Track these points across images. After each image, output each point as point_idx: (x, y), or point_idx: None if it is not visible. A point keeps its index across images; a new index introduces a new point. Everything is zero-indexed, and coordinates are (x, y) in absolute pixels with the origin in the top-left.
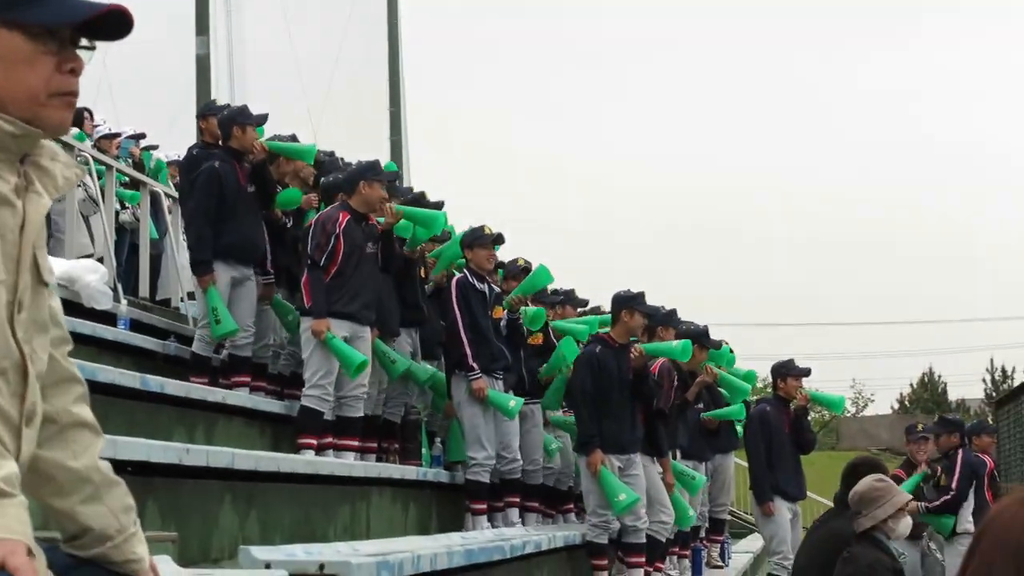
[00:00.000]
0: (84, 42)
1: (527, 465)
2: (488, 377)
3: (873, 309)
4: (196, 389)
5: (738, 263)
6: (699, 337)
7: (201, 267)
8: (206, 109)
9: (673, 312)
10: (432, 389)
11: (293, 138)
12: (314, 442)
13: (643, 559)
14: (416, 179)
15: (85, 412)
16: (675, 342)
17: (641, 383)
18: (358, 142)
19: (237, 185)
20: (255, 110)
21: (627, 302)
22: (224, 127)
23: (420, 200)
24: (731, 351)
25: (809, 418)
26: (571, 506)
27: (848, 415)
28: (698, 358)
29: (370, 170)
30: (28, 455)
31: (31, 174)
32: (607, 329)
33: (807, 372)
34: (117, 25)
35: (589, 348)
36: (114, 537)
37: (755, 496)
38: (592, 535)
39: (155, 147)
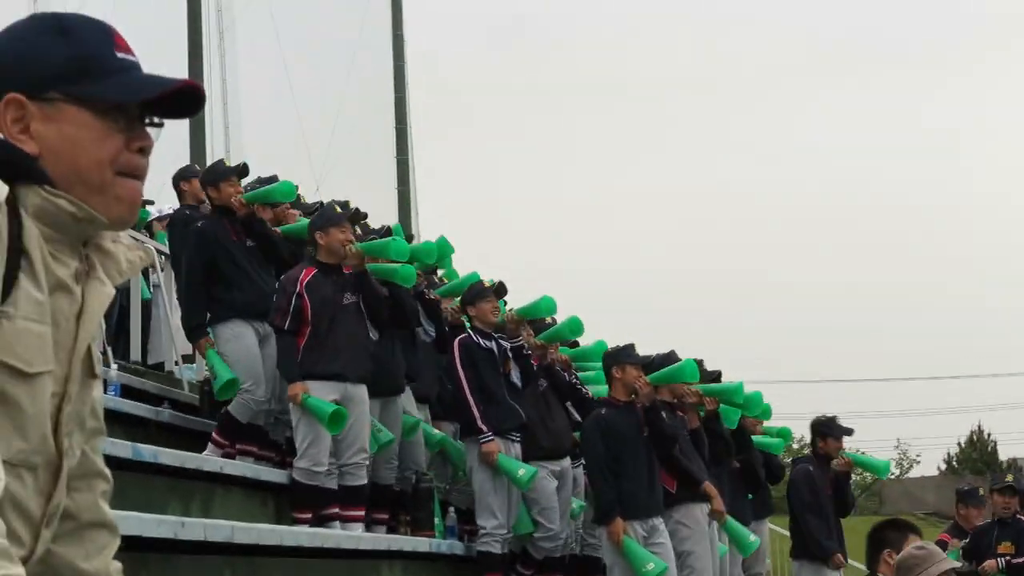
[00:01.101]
0: (154, 119)
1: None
2: (502, 440)
3: (918, 363)
4: (192, 458)
5: (775, 313)
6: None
7: (195, 332)
8: (185, 172)
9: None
10: (447, 456)
11: (272, 180)
12: (308, 516)
13: None
14: (426, 233)
15: (106, 510)
16: (676, 364)
17: (655, 424)
18: (363, 193)
19: (230, 241)
20: (253, 163)
21: (615, 359)
22: (203, 189)
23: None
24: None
25: (851, 480)
26: None
27: (892, 477)
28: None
29: (320, 217)
30: (42, 552)
31: (94, 258)
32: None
33: (849, 432)
34: (188, 102)
35: (595, 412)
36: None
37: (820, 555)
38: None
39: (150, 202)
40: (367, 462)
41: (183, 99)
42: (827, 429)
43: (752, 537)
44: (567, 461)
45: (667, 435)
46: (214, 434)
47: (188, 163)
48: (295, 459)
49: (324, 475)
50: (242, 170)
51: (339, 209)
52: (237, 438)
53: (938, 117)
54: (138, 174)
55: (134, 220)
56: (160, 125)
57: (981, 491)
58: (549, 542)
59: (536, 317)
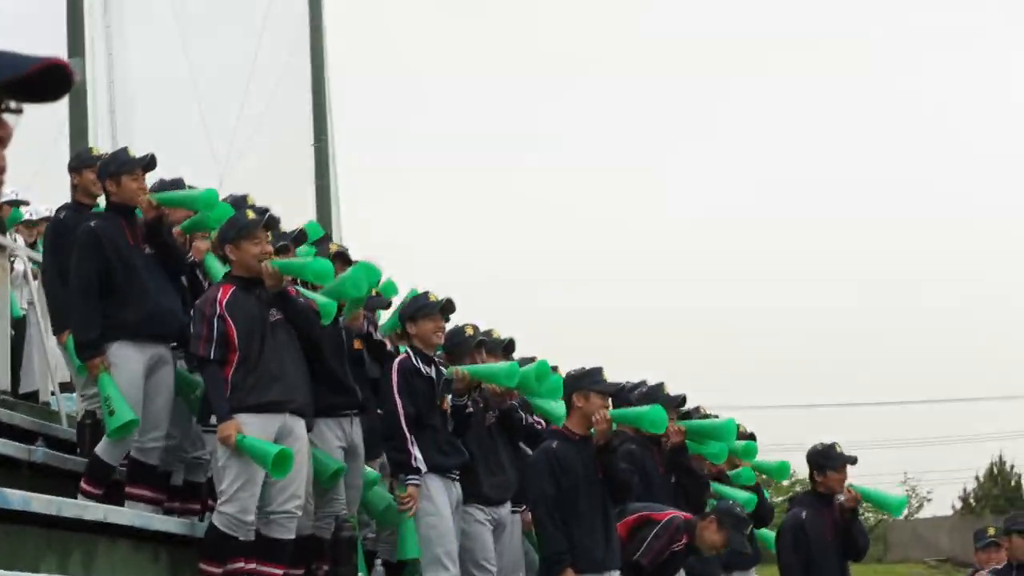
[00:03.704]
0: (10, 105)
1: None
2: (442, 479)
3: (929, 385)
4: (69, 505)
5: (764, 334)
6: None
7: (88, 350)
8: (79, 160)
9: (660, 388)
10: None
11: (178, 184)
12: (218, 571)
13: None
14: (350, 232)
15: None
16: (645, 407)
17: (609, 466)
18: (275, 188)
19: (127, 246)
20: (143, 152)
21: (577, 383)
22: (100, 181)
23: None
24: (752, 438)
25: (859, 517)
26: None
27: (899, 518)
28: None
29: (230, 228)
30: None
31: None
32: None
33: (853, 460)
34: (55, 83)
35: (545, 445)
36: None
37: None
38: None
39: (24, 203)
40: (300, 512)
41: (49, 80)
42: (825, 460)
43: None
44: (505, 510)
45: (623, 483)
46: (84, 484)
47: (110, 154)
48: (219, 503)
49: (248, 527)
50: (149, 163)
51: (252, 215)
52: (133, 482)
53: None
54: None
55: None
56: (18, 111)
57: (991, 531)
58: None
59: (495, 383)
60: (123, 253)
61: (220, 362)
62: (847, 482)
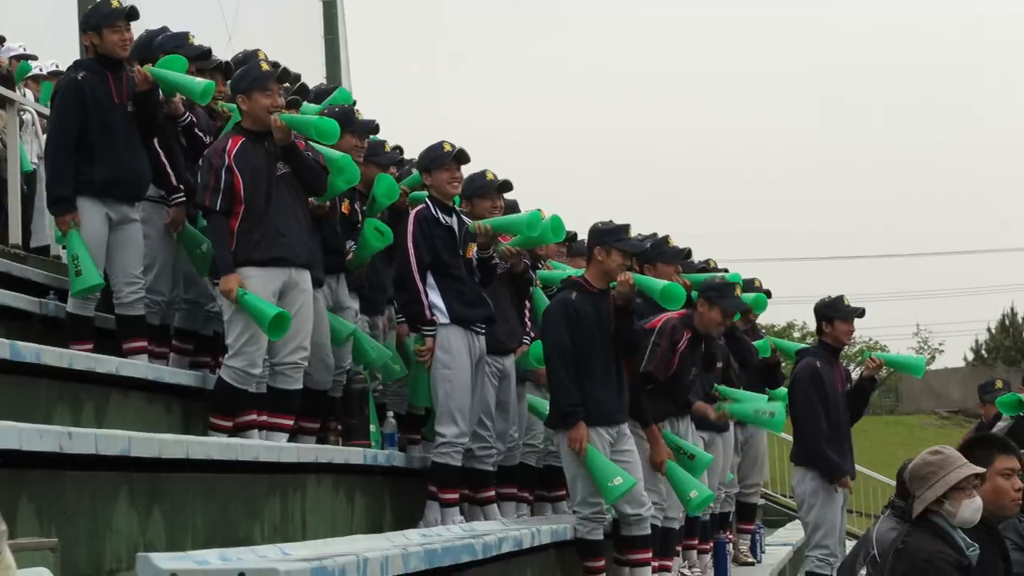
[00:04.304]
0: None
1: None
2: (466, 331)
3: (939, 238)
4: (82, 358)
5: (772, 184)
6: (712, 290)
7: (59, 205)
8: (85, 21)
9: (665, 242)
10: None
11: (183, 38)
12: (228, 424)
13: (649, 555)
14: (358, 89)
15: None
16: (660, 282)
17: (624, 327)
18: (284, 42)
19: (110, 102)
20: (153, 7)
21: (601, 237)
22: (85, 32)
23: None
24: (767, 295)
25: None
26: (563, 492)
27: None
28: (710, 317)
29: (243, 78)
30: None
31: None
32: (582, 271)
33: (860, 312)
34: None
35: (563, 295)
36: None
37: (822, 473)
38: (583, 531)
39: (32, 57)
40: (306, 363)
41: None
42: (833, 311)
43: (698, 455)
44: (509, 360)
45: (633, 346)
46: (70, 343)
47: (93, 6)
48: (226, 357)
49: (256, 379)
50: (130, 12)
51: (265, 67)
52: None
53: None
54: None
55: None
56: None
57: (998, 384)
58: (485, 451)
59: (515, 234)
60: (103, 109)
61: (225, 213)
62: (868, 351)
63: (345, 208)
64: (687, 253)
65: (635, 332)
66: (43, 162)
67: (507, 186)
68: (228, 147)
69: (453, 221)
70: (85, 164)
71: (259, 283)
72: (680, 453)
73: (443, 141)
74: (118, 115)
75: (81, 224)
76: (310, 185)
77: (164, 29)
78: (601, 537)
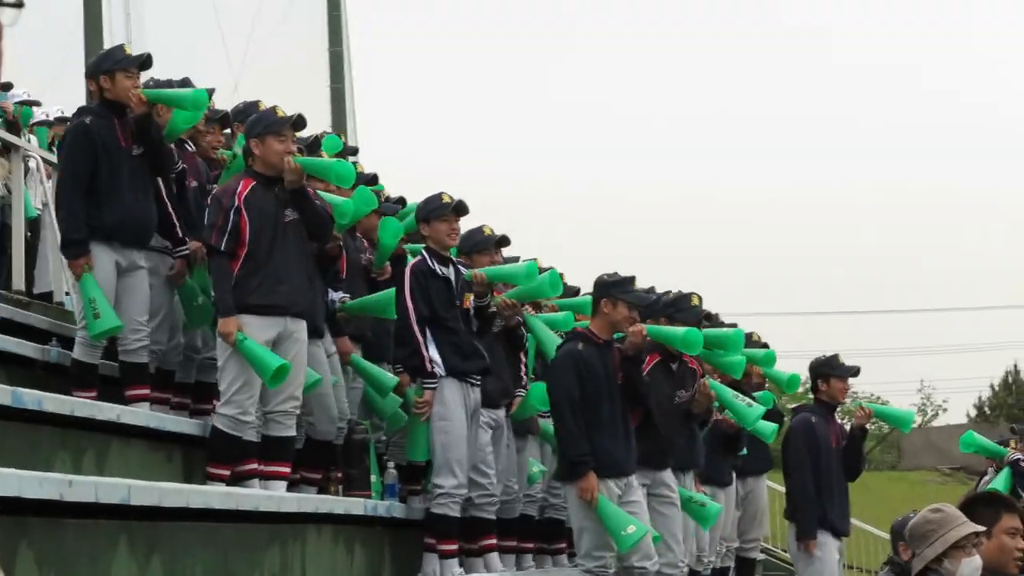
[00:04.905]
0: None
1: (501, 494)
2: (462, 383)
3: (943, 293)
4: (83, 405)
5: (771, 234)
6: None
7: (73, 249)
8: (97, 66)
9: (682, 298)
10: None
11: (180, 84)
12: (226, 473)
13: None
14: (365, 140)
15: None
16: (680, 328)
17: (632, 377)
18: (290, 91)
19: (116, 146)
20: (160, 54)
21: (608, 290)
22: (93, 78)
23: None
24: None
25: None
26: (563, 544)
27: (914, 427)
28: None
29: (258, 123)
30: None
31: None
32: (586, 323)
33: (855, 371)
34: None
35: (569, 345)
36: None
37: (797, 530)
38: None
39: (36, 103)
40: (298, 411)
41: None
42: (829, 369)
43: (708, 504)
44: (502, 412)
45: (641, 396)
46: (73, 390)
47: (105, 52)
48: (218, 405)
49: (249, 427)
50: (145, 61)
51: (281, 113)
52: (129, 384)
53: None
54: None
55: None
56: (18, 5)
57: (1013, 443)
58: (485, 499)
59: (512, 284)
60: (111, 153)
61: (229, 255)
62: (859, 400)
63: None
64: (708, 315)
65: (643, 382)
66: (46, 208)
67: (505, 241)
68: (239, 189)
69: (450, 272)
70: (94, 208)
71: (254, 331)
72: (691, 503)
73: (442, 193)
74: (125, 159)
75: (93, 268)
76: (316, 232)
77: (169, 81)
78: None
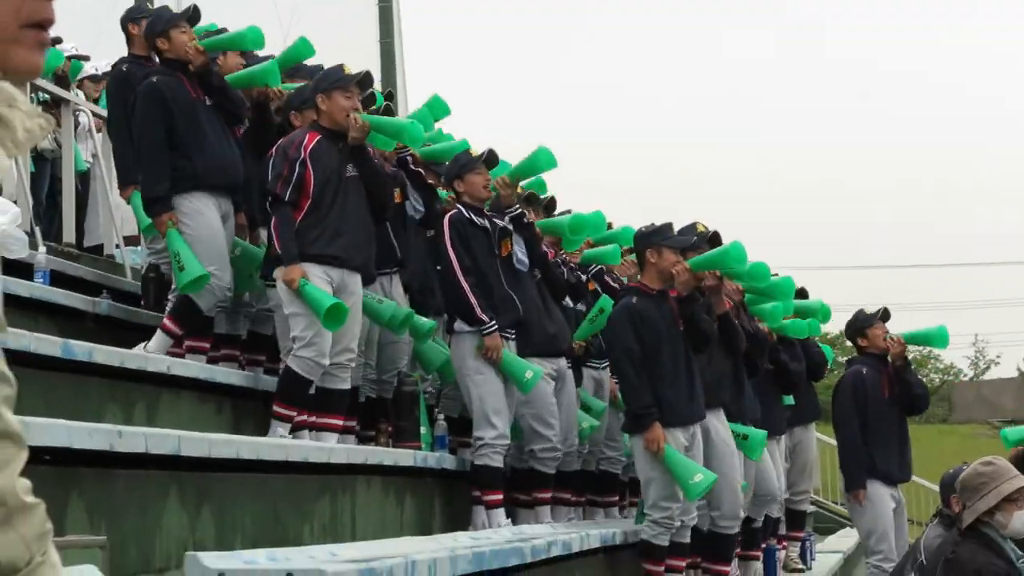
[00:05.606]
0: None
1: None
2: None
3: (996, 246)
4: (133, 357)
5: (820, 187)
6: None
7: (156, 205)
8: (134, 12)
9: (687, 228)
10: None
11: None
12: (293, 414)
13: (683, 563)
14: (415, 94)
15: (9, 419)
16: (722, 246)
17: (691, 319)
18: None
19: (188, 99)
20: (210, 15)
21: (649, 239)
22: (149, 42)
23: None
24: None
25: (910, 366)
26: (615, 498)
27: (965, 380)
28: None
29: (325, 79)
30: None
31: None
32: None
33: (886, 314)
34: None
35: (624, 300)
36: (21, 569)
37: (845, 481)
38: (650, 534)
39: (86, 57)
40: (353, 364)
41: None
42: (861, 323)
43: (752, 435)
44: (563, 361)
45: (705, 333)
46: (167, 321)
47: (153, 14)
48: (296, 348)
49: (322, 371)
50: (193, 14)
51: (348, 71)
52: (191, 330)
53: None
54: (44, 22)
55: (42, 67)
56: None
57: None
58: (548, 453)
59: (533, 175)
60: (186, 106)
61: (292, 205)
62: (888, 335)
63: (397, 197)
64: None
65: (703, 319)
66: (96, 161)
67: (493, 157)
68: (305, 142)
69: (486, 222)
70: (184, 160)
71: (312, 279)
72: (736, 436)
73: (467, 148)
74: (201, 110)
75: (196, 214)
76: (375, 193)
77: (225, 30)
78: (666, 543)
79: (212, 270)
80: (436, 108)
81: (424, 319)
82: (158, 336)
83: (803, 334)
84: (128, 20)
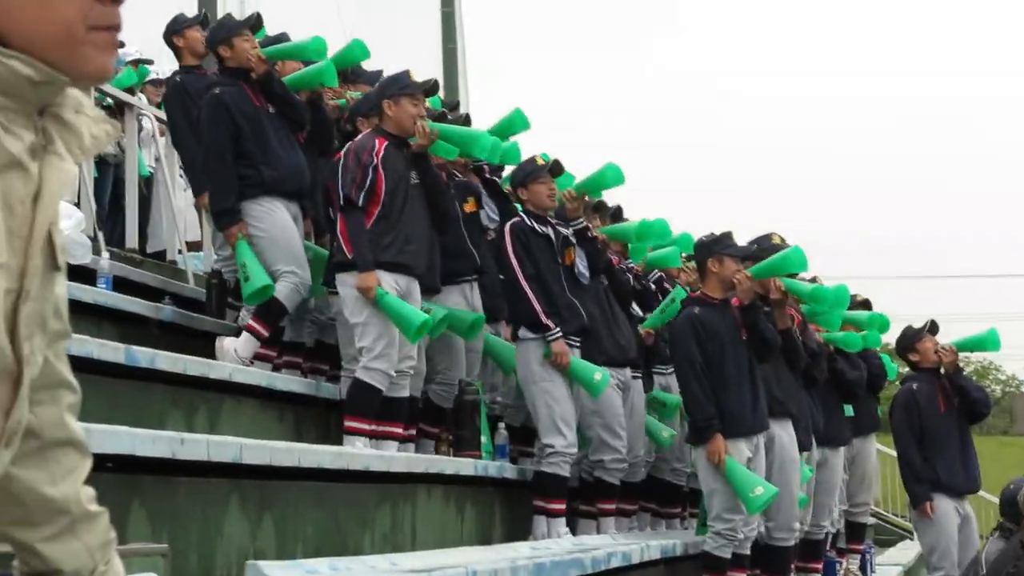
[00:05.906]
0: None
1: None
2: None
3: None
4: (196, 364)
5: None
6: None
7: (225, 218)
8: (175, 25)
9: (763, 237)
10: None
11: (285, 38)
12: (367, 427)
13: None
14: (476, 100)
15: (74, 427)
16: (781, 252)
17: (754, 328)
18: (402, 50)
19: (252, 108)
20: (271, 15)
21: (710, 249)
22: (212, 50)
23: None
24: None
25: (963, 374)
26: (678, 508)
27: None
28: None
29: (392, 84)
30: (0, 476)
31: (51, 131)
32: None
33: (934, 327)
34: None
35: (686, 311)
36: None
37: (910, 498)
38: (713, 545)
39: (149, 61)
40: (412, 372)
41: None
42: (909, 339)
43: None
44: (629, 372)
45: (768, 342)
46: (252, 322)
47: (216, 23)
48: (367, 359)
49: (390, 382)
50: (255, 22)
51: (415, 78)
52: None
53: None
54: (113, 27)
55: (111, 71)
56: None
57: None
58: (616, 464)
59: (600, 190)
60: (250, 116)
61: (364, 210)
62: (938, 346)
63: (471, 207)
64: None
65: (766, 328)
66: (159, 166)
67: (558, 167)
68: (376, 148)
69: (549, 230)
70: (251, 168)
71: (383, 287)
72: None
73: (534, 156)
74: (265, 118)
75: (269, 217)
76: (435, 202)
77: (284, 35)
78: (728, 555)
79: (291, 268)
80: (516, 122)
81: (467, 312)
82: (245, 337)
83: (856, 347)
84: (171, 33)
